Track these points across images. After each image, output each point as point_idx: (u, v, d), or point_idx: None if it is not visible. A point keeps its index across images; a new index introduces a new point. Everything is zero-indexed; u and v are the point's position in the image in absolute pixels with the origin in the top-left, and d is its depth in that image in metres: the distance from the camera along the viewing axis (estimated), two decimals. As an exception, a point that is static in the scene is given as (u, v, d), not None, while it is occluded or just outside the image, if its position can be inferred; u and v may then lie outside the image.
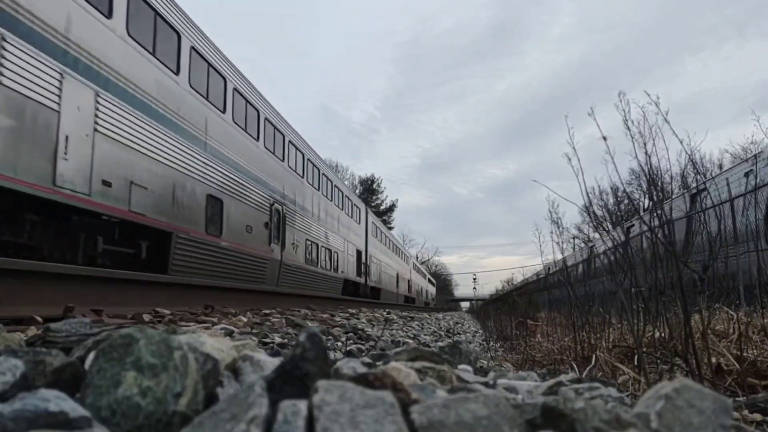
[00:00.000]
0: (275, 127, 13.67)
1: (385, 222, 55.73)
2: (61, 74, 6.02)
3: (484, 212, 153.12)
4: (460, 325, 17.28)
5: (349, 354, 3.91)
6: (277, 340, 3.86)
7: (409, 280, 42.91)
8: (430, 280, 64.85)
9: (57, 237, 6.50)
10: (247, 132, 11.69)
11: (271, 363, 1.07)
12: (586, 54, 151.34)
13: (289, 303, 10.22)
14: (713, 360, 2.58)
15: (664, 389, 0.78)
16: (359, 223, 24.55)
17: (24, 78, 5.48)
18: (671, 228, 2.84)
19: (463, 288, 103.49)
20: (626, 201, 29.25)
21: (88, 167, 6.37)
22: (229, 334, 3.67)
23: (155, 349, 0.82)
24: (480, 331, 14.63)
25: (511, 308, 9.70)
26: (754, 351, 2.84)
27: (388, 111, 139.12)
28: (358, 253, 23.81)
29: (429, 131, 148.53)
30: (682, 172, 3.76)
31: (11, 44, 5.35)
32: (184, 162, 8.77)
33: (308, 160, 16.77)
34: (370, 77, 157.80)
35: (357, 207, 24.47)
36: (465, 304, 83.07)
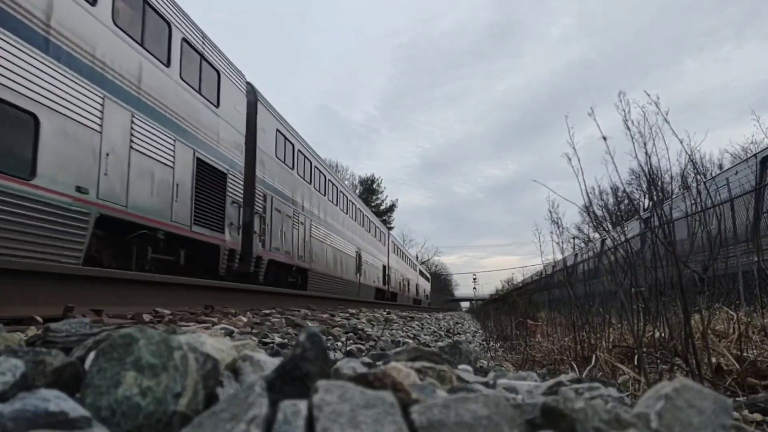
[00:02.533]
0: None
1: (385, 222, 54.86)
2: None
3: (484, 212, 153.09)
4: (460, 325, 17.27)
5: (349, 354, 3.91)
6: (277, 340, 3.86)
7: (385, 266, 29.20)
8: (422, 273, 52.89)
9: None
10: None
11: (271, 363, 1.07)
12: (586, 55, 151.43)
13: (289, 303, 10.23)
14: (713, 360, 2.58)
15: (664, 389, 0.78)
16: (216, 107, 9.96)
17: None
18: (672, 228, 2.84)
19: (463, 288, 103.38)
20: (626, 201, 29.31)
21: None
22: (229, 334, 3.67)
23: (155, 349, 0.82)
24: (480, 331, 14.63)
25: (511, 308, 9.69)
26: (754, 351, 2.84)
27: (387, 111, 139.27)
28: (205, 171, 9.38)
29: (429, 131, 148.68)
30: (682, 172, 3.76)
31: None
32: None
33: None
34: (369, 78, 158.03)
35: (212, 68, 9.94)
36: (465, 304, 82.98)
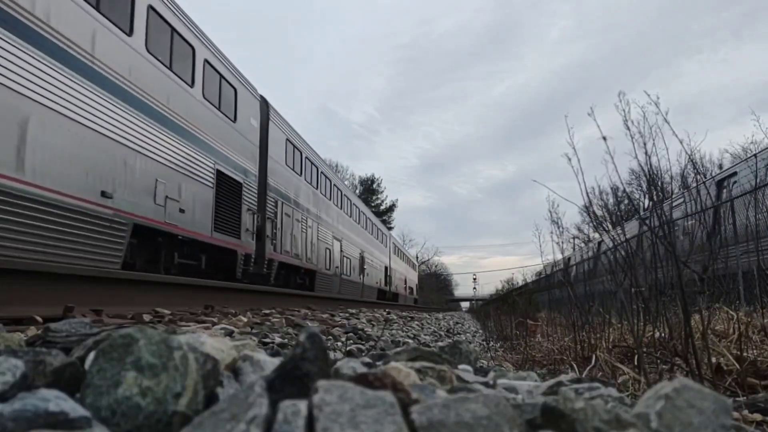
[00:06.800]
0: None
1: (385, 222, 54.37)
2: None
3: (484, 212, 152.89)
4: (460, 325, 17.26)
5: (349, 354, 3.92)
6: (277, 340, 3.86)
7: (243, 184, 10.73)
8: (401, 253, 38.26)
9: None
10: None
11: (271, 363, 1.07)
12: (584, 56, 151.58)
13: (289, 303, 10.22)
14: (713, 360, 2.58)
15: (664, 389, 0.78)
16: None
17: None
18: (671, 228, 2.84)
19: (463, 288, 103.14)
20: (626, 201, 29.30)
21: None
22: (229, 334, 3.67)
23: (155, 349, 0.82)
24: (480, 331, 14.63)
25: (511, 308, 9.69)
26: (754, 351, 2.84)
27: (387, 112, 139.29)
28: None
29: (428, 132, 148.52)
30: (682, 172, 3.77)
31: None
32: None
33: None
34: (369, 79, 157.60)
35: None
36: (465, 304, 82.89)
